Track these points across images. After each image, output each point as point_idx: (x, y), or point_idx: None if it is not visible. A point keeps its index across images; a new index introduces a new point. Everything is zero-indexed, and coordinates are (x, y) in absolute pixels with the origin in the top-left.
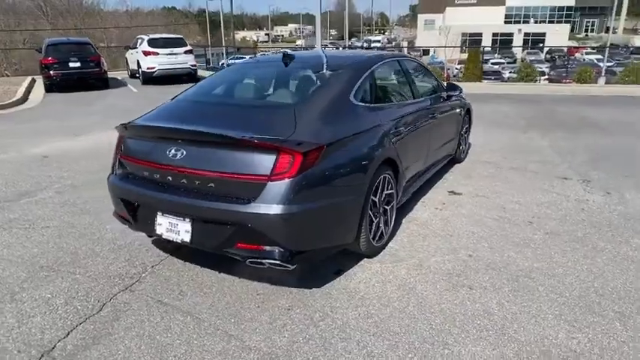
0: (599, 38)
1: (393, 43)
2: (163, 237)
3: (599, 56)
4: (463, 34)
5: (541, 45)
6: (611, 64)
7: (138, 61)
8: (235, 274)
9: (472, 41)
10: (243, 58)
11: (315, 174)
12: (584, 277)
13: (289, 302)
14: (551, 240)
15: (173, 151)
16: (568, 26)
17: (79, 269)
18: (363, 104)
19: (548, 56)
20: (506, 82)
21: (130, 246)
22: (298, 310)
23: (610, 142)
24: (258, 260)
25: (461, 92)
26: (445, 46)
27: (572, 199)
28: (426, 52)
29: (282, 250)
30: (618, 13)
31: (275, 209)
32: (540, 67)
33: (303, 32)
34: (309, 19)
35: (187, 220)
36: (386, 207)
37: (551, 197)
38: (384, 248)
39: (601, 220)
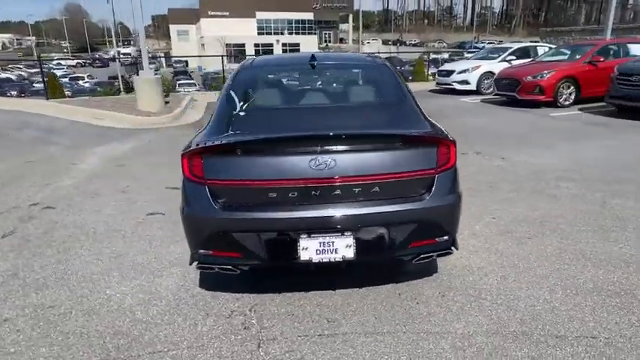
0: (339, 48)
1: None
2: (313, 261)
3: None
4: (227, 45)
5: None
6: None
7: None
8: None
9: (238, 51)
10: None
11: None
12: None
13: (440, 288)
14: (495, 188)
15: (318, 160)
16: (316, 37)
17: None
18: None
19: None
20: None
21: None
22: (452, 294)
23: (449, 123)
24: (428, 255)
25: None
26: (206, 55)
27: (488, 165)
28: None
29: (450, 238)
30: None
31: (449, 199)
32: None
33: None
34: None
35: (347, 234)
36: None
37: (473, 165)
38: None
39: (513, 172)
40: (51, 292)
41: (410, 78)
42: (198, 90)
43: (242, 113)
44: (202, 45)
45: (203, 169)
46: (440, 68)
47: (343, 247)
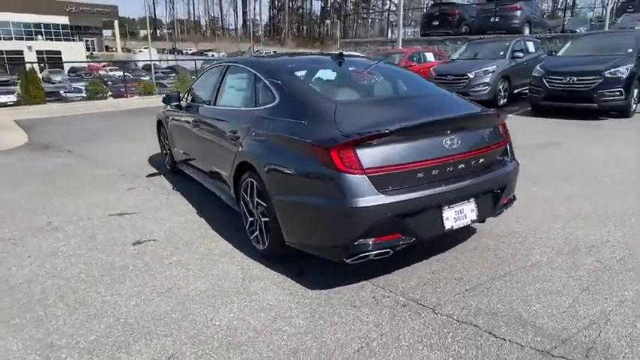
0: (111, 56)
1: None
2: (454, 229)
3: (121, 73)
4: None
5: (63, 62)
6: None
7: None
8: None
9: None
10: None
11: None
12: None
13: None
14: None
15: (448, 141)
16: (82, 44)
17: None
18: None
19: (72, 74)
20: (73, 101)
21: None
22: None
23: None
24: (504, 210)
25: None
26: None
27: None
28: None
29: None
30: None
31: (516, 163)
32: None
33: None
34: None
35: (471, 200)
36: None
37: None
38: None
39: None
40: None
41: None
42: None
43: (334, 108)
44: None
45: (358, 160)
46: None
47: (469, 212)
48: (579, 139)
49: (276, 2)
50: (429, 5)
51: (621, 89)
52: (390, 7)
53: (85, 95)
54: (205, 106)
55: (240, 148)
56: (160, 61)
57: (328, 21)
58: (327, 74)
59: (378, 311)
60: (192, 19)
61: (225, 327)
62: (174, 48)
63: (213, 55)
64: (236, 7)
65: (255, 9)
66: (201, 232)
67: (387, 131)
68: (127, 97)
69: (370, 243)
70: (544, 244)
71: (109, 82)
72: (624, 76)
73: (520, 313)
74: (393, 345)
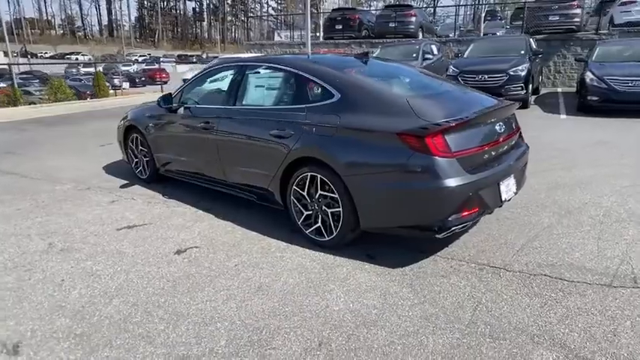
0: None
1: None
2: (505, 201)
3: None
4: None
5: None
6: None
7: None
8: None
9: None
10: None
11: None
12: None
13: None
14: None
15: (497, 127)
16: None
17: None
18: None
19: None
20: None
21: None
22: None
23: None
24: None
25: None
26: None
27: None
28: None
29: None
30: None
31: (526, 145)
32: None
33: None
34: None
35: (512, 175)
36: None
37: None
38: None
39: None
40: None
41: (88, 93)
42: None
43: (406, 101)
44: None
45: (448, 145)
46: (185, 77)
47: (512, 186)
48: None
49: (145, 2)
50: (323, 10)
51: (522, 84)
52: (267, 10)
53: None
54: (222, 107)
55: (296, 145)
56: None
57: (205, 23)
58: (368, 71)
59: (465, 277)
60: (45, 17)
61: (346, 310)
62: (25, 51)
63: (77, 59)
64: (98, 5)
65: (121, 8)
66: (239, 234)
67: (466, 118)
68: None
69: (460, 217)
70: (544, 210)
71: None
72: (523, 74)
73: (570, 262)
74: (499, 299)
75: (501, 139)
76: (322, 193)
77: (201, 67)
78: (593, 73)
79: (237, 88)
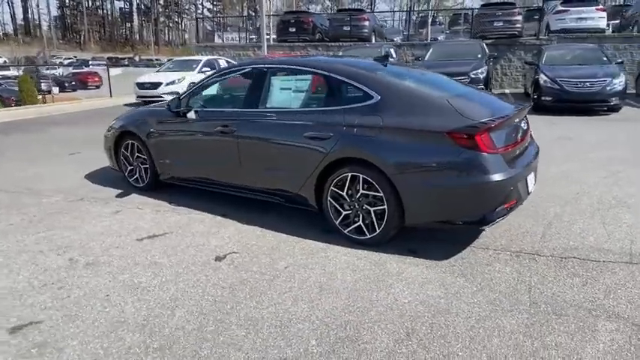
0: None
1: None
2: (531, 191)
3: None
4: None
5: None
6: None
7: None
8: None
9: None
10: None
11: None
12: None
13: None
14: None
15: (522, 125)
16: None
17: None
18: None
19: None
20: None
21: None
22: None
23: None
24: None
25: None
26: None
27: None
28: None
29: None
30: None
31: (536, 144)
32: None
33: None
34: None
35: (532, 171)
36: None
37: None
38: None
39: None
40: None
41: (13, 98)
42: None
43: (448, 102)
44: None
45: (493, 142)
46: (139, 81)
47: (533, 179)
48: None
49: (67, 1)
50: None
51: (483, 87)
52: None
53: None
54: (243, 110)
55: (336, 146)
56: None
57: (135, 24)
58: (396, 73)
59: (507, 264)
60: None
61: (415, 301)
62: None
63: None
64: (11, 2)
65: (39, 6)
66: (272, 238)
67: (507, 117)
68: None
69: (504, 208)
70: (546, 202)
71: None
72: (483, 76)
73: (589, 244)
74: (545, 281)
75: (525, 137)
76: (364, 192)
77: (134, 70)
78: (546, 75)
79: (260, 90)
